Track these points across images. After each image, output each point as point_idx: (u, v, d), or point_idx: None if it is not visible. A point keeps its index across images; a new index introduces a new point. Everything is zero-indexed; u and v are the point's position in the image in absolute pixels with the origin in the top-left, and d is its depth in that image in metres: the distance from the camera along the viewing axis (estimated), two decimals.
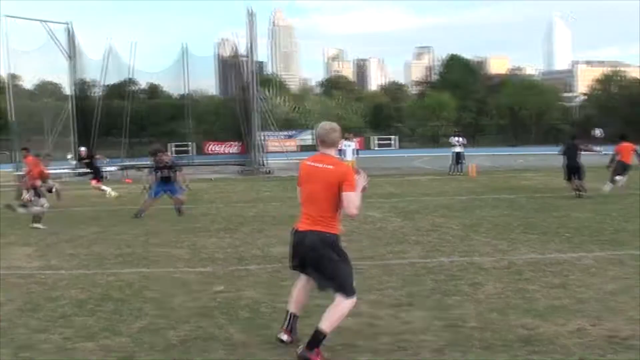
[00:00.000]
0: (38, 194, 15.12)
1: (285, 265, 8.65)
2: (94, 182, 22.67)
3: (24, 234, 13.74)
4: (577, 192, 18.07)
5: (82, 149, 24.81)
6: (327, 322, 5.54)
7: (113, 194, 21.31)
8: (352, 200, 5.50)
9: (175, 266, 9.83)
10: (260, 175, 31.77)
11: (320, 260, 5.61)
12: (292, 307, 6.04)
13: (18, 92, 36.88)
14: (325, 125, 5.88)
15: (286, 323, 5.98)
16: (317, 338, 5.51)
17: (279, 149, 43.07)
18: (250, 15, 34.33)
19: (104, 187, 22.10)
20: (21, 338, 6.42)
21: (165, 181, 16.14)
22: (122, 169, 33.97)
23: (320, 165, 5.66)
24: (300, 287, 6.03)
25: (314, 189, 5.67)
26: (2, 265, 10.23)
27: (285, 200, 18.40)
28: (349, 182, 5.51)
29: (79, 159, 24.24)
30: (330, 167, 5.61)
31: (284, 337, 5.92)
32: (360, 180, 5.70)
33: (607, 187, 18.51)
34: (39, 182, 15.35)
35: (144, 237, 12.68)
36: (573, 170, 18.39)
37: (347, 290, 5.60)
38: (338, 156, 5.92)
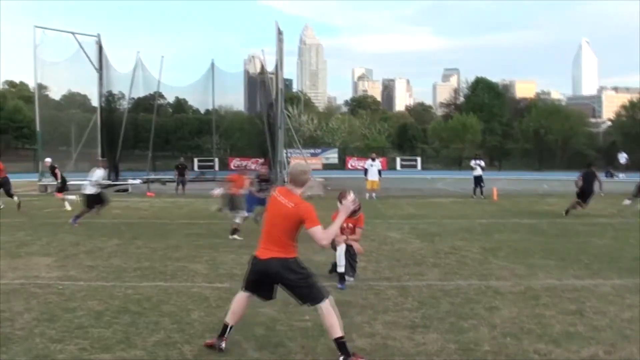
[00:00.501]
0: (234, 205, 15.26)
1: None
2: (59, 195, 22.80)
3: (45, 244, 13.90)
4: (569, 210, 19.77)
5: (47, 160, 24.85)
6: (335, 329, 6.04)
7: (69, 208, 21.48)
8: (317, 234, 5.99)
9: (194, 281, 9.92)
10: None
11: (289, 284, 6.22)
12: (231, 320, 6.50)
13: (46, 102, 37.08)
14: (299, 166, 6.50)
15: (226, 334, 6.46)
16: (342, 345, 6.02)
17: (318, 166, 43.10)
18: (279, 32, 34.60)
19: (66, 200, 22.25)
20: (38, 347, 6.54)
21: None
22: (145, 182, 34.20)
23: (284, 201, 6.22)
24: (241, 301, 6.50)
25: (275, 220, 6.26)
26: (21, 275, 10.39)
27: None
28: (310, 220, 6.03)
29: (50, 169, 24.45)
30: (291, 205, 6.14)
31: (224, 345, 6.42)
32: (346, 206, 6.39)
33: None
34: (239, 192, 15.45)
35: (163, 251, 12.79)
36: (586, 194, 19.66)
37: (322, 298, 6.15)
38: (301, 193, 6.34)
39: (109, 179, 35.33)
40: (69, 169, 34.60)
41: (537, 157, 70.25)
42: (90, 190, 17.24)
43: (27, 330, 7.12)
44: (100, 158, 19.34)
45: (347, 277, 9.62)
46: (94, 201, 17.23)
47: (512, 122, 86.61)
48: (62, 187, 23.13)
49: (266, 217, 6.43)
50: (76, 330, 7.15)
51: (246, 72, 42.13)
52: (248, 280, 6.43)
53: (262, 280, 6.31)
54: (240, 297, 6.51)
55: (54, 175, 23.61)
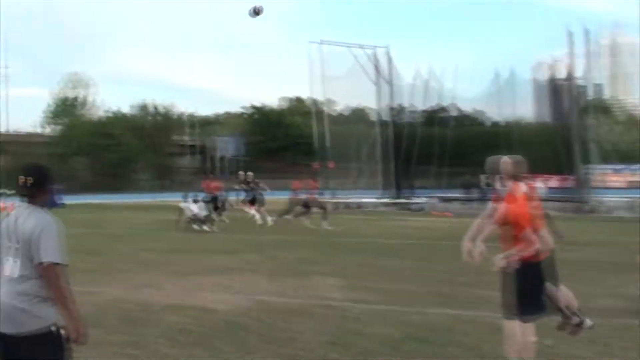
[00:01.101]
0: None
1: (612, 322, 7.76)
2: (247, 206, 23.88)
3: (337, 263, 13.80)
4: None
5: (246, 173, 24.85)
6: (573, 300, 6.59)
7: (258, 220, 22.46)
8: None
9: (483, 309, 8.74)
10: (592, 214, 29.10)
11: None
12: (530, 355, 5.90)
13: (326, 117, 37.84)
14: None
15: None
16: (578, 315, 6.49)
17: (620, 184, 39.10)
18: (584, 34, 31.87)
19: (252, 211, 23.47)
20: None
21: None
22: (442, 201, 33.00)
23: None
24: (533, 334, 6.03)
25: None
26: (304, 294, 10.40)
27: (620, 246, 15.51)
28: None
29: (241, 182, 24.69)
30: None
31: None
32: None
33: None
34: None
35: (448, 275, 11.80)
36: None
37: None
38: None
39: (393, 197, 35.13)
40: (348, 186, 34.78)
41: None
42: None
43: (310, 351, 7.07)
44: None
45: None
46: None
47: None
48: (253, 200, 23.50)
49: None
50: (361, 354, 6.98)
51: (545, 80, 38.52)
52: (531, 294, 6.05)
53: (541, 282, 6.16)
54: (529, 328, 5.98)
55: (252, 189, 24.05)
